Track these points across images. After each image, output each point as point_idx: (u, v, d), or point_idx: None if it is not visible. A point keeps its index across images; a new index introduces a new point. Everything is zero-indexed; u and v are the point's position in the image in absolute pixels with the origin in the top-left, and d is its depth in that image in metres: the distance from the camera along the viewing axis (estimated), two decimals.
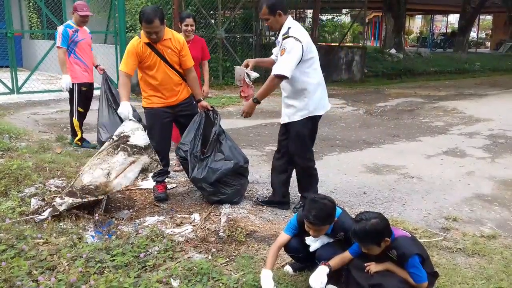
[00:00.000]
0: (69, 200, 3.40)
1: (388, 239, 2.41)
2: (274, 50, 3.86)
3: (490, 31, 38.45)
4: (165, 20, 3.89)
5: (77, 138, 5.73)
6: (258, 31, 13.79)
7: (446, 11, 34.21)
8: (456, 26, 29.95)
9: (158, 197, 4.08)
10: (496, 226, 3.72)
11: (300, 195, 3.98)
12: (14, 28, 9.71)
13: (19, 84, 9.45)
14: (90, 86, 5.73)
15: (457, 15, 27.16)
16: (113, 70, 9.82)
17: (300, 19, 18.84)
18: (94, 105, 5.87)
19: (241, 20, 13.97)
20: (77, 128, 5.69)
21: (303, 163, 3.83)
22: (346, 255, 2.60)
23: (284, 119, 3.80)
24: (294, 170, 3.94)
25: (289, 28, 3.54)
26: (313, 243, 2.71)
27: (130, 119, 3.74)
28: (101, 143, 5.47)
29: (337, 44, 15.77)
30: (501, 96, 11.90)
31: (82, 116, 5.76)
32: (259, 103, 3.70)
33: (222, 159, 3.94)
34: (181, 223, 3.60)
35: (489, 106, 9.88)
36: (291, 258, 2.97)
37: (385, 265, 2.46)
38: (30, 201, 3.73)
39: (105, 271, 2.73)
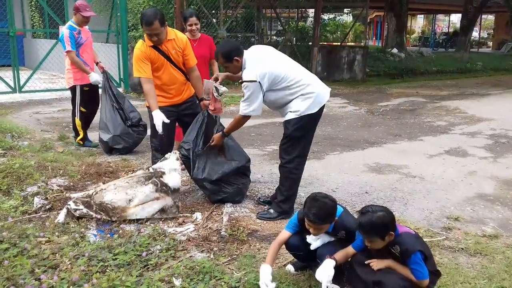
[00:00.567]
0: (84, 210, 3.44)
1: (392, 233, 2.42)
2: None
3: (492, 31, 38.39)
4: (166, 22, 3.92)
5: (79, 138, 5.73)
6: (259, 31, 13.80)
7: (448, 11, 34.14)
8: (458, 25, 29.92)
9: None
10: (498, 226, 3.72)
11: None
12: (16, 27, 9.74)
13: (21, 83, 9.48)
14: (92, 86, 5.73)
15: (459, 15, 27.11)
16: (115, 69, 9.84)
17: (302, 18, 18.81)
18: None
19: (242, 19, 14.00)
20: (79, 128, 5.69)
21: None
22: (350, 249, 2.60)
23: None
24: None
25: (244, 69, 3.54)
26: (314, 241, 2.71)
27: (172, 156, 3.69)
28: (102, 142, 5.48)
29: (339, 43, 15.74)
30: (503, 95, 11.89)
31: (86, 116, 5.76)
32: (227, 136, 3.85)
33: (224, 158, 3.94)
34: (183, 222, 3.60)
35: (491, 106, 9.87)
36: (292, 258, 2.97)
37: (387, 262, 2.47)
38: (33, 199, 3.74)
39: (107, 270, 2.74)
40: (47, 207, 3.67)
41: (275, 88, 3.53)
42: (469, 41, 23.26)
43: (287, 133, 3.64)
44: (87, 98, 5.70)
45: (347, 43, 18.31)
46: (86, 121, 5.79)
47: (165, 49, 3.97)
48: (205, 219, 3.66)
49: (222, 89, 3.81)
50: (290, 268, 2.90)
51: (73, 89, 5.64)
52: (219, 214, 3.79)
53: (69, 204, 3.48)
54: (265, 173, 4.91)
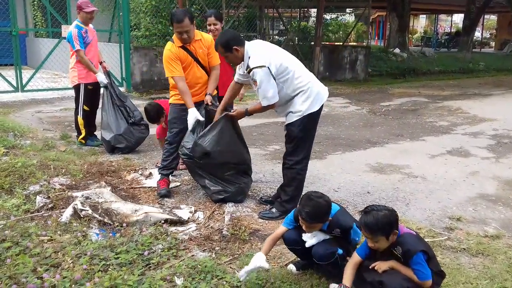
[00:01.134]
0: (89, 212, 3.46)
1: (396, 232, 2.42)
2: (239, 70, 3.78)
3: (495, 31, 38.31)
4: (194, 21, 4.00)
5: (81, 137, 5.74)
6: (261, 30, 13.80)
7: (450, 11, 34.08)
8: (460, 25, 29.79)
9: (161, 193, 4.11)
10: (500, 226, 3.71)
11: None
12: (18, 27, 9.75)
13: (24, 82, 9.50)
14: (96, 85, 5.74)
15: (462, 15, 27.04)
16: (117, 68, 9.84)
17: (304, 18, 18.80)
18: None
19: (244, 19, 13.99)
20: (81, 127, 5.70)
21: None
22: (355, 259, 2.56)
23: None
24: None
25: (249, 58, 3.53)
26: (310, 239, 2.72)
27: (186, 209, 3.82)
28: (105, 142, 5.49)
29: (341, 43, 15.73)
30: (506, 96, 11.87)
31: (89, 115, 5.77)
32: (249, 115, 3.81)
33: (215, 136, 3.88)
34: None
35: (494, 106, 9.85)
36: (294, 257, 2.98)
37: (390, 262, 2.46)
38: (35, 198, 3.75)
39: (109, 269, 2.74)
40: (49, 206, 3.68)
41: (278, 81, 3.52)
42: (471, 41, 23.18)
43: (293, 135, 3.65)
44: (91, 97, 5.71)
45: (349, 43, 18.31)
46: (88, 120, 5.80)
47: (193, 49, 4.08)
48: (207, 219, 3.67)
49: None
50: (291, 267, 2.90)
51: (77, 87, 5.66)
52: (221, 214, 3.79)
53: (76, 204, 3.50)
54: (267, 172, 4.91)
